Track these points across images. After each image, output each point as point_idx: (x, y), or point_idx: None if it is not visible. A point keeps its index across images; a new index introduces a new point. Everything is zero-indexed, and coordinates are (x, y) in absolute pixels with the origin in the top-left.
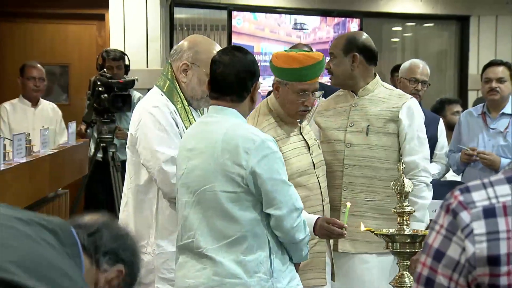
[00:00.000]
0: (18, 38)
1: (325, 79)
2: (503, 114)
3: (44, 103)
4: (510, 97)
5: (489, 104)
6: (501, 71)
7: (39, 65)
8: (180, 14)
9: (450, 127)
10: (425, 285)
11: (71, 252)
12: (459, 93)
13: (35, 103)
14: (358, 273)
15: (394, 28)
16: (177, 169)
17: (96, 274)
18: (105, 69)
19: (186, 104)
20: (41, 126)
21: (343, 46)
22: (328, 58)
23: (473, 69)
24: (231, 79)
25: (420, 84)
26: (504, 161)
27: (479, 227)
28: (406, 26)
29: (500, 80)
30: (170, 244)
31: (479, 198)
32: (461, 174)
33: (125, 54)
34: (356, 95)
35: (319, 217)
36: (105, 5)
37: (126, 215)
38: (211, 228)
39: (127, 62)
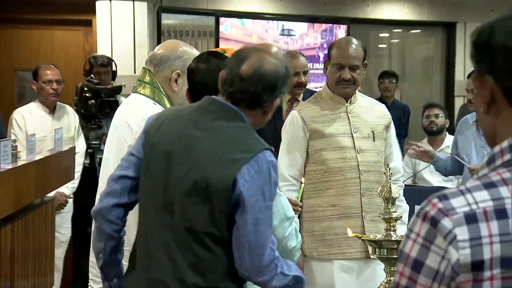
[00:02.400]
0: (3, 43)
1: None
2: None
3: (61, 108)
4: None
5: None
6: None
7: (53, 66)
8: (168, 20)
9: (425, 130)
10: None
11: None
12: (446, 99)
13: (52, 109)
14: (329, 278)
15: (381, 35)
16: None
17: None
18: (92, 75)
19: None
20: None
21: (363, 56)
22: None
23: (460, 75)
24: (211, 86)
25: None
26: (440, 155)
27: (462, 233)
28: (393, 32)
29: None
30: None
31: (459, 204)
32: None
33: (113, 60)
34: (347, 102)
35: None
36: (92, 11)
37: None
38: None
39: (114, 68)
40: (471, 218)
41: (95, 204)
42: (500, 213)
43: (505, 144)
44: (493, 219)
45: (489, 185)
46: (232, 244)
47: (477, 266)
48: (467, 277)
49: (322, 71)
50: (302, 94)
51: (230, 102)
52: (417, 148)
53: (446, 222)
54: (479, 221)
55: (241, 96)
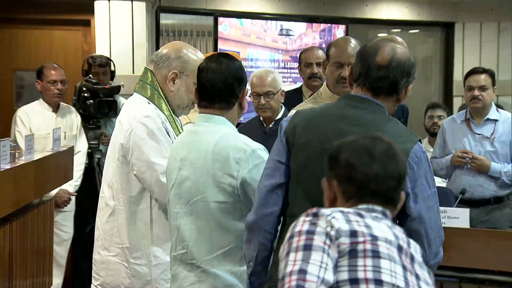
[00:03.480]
0: (2, 43)
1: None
2: (488, 119)
3: (65, 107)
4: (493, 103)
5: (472, 111)
6: (483, 79)
7: (58, 65)
8: (166, 20)
9: (426, 130)
10: (304, 250)
11: None
12: (444, 99)
13: (56, 108)
14: None
15: (379, 34)
16: (167, 179)
17: None
18: (90, 75)
19: (172, 112)
20: (62, 131)
21: None
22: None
23: (458, 75)
24: (219, 86)
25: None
26: (495, 166)
27: (338, 215)
28: (391, 32)
29: (482, 88)
30: (166, 254)
31: (327, 209)
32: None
33: (111, 60)
34: None
35: None
36: (91, 11)
37: (113, 226)
38: (205, 239)
39: (112, 68)
40: (341, 211)
41: (249, 215)
42: (357, 213)
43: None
44: (355, 215)
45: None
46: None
47: (353, 233)
48: (346, 240)
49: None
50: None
51: (371, 93)
52: (469, 160)
53: (325, 210)
54: (346, 213)
55: (382, 84)
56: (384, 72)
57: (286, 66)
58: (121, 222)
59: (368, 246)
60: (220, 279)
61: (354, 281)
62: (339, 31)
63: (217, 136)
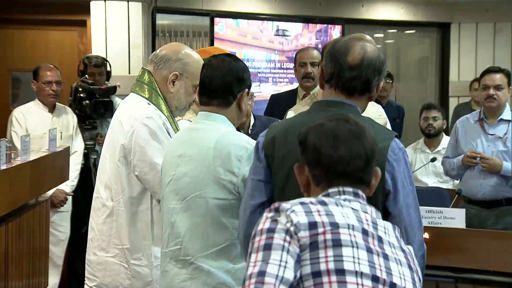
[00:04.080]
0: None
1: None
2: (502, 120)
3: (61, 108)
4: (507, 103)
5: (486, 111)
6: (498, 78)
7: (53, 67)
8: (163, 20)
9: (422, 131)
10: (264, 250)
11: None
12: (440, 100)
13: (52, 108)
14: None
15: (376, 35)
16: (163, 175)
17: None
18: (86, 76)
19: (170, 113)
20: (59, 131)
21: None
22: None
23: (454, 75)
24: (217, 81)
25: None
26: (507, 165)
27: (298, 208)
28: (387, 32)
29: (497, 88)
30: None
31: (290, 201)
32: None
33: (107, 60)
34: None
35: None
36: (87, 11)
37: (112, 227)
38: (200, 236)
39: (108, 69)
40: (302, 203)
41: (238, 233)
42: (322, 202)
43: (319, 196)
44: (318, 204)
45: (314, 199)
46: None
47: (312, 225)
48: (305, 233)
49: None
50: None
51: (345, 94)
52: (479, 159)
53: (285, 205)
54: (308, 203)
55: (355, 83)
56: (357, 72)
57: (282, 66)
58: (120, 223)
59: (328, 236)
60: (213, 276)
61: (316, 274)
62: (335, 31)
63: (219, 133)
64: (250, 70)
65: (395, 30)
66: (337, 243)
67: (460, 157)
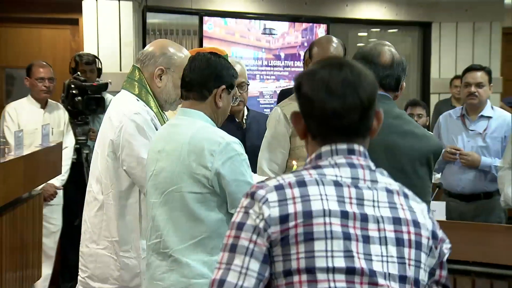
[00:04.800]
0: None
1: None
2: (482, 116)
3: (53, 104)
4: (488, 100)
5: (468, 108)
6: (480, 76)
7: (46, 64)
8: (153, 19)
9: None
10: (229, 251)
11: None
12: (422, 96)
13: (44, 104)
14: None
15: (359, 34)
16: (146, 170)
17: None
18: (79, 73)
19: (160, 108)
20: (50, 127)
21: (343, 54)
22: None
23: (435, 73)
24: (194, 75)
25: None
26: (485, 160)
27: (272, 196)
28: (371, 31)
29: (479, 85)
30: None
31: (271, 182)
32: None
33: (98, 58)
34: None
35: None
36: (79, 10)
37: (102, 220)
38: (177, 229)
39: (99, 66)
40: (279, 187)
41: None
42: (300, 183)
43: (313, 156)
44: (296, 187)
45: (297, 174)
46: None
47: (283, 218)
48: (276, 228)
49: (302, 69)
50: None
51: (382, 90)
52: (458, 155)
53: (261, 192)
54: (285, 188)
55: (389, 80)
56: (389, 70)
57: (269, 64)
58: (110, 216)
59: (300, 230)
60: (191, 268)
61: (287, 272)
62: (321, 30)
63: (194, 129)
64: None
65: (378, 29)
66: (308, 237)
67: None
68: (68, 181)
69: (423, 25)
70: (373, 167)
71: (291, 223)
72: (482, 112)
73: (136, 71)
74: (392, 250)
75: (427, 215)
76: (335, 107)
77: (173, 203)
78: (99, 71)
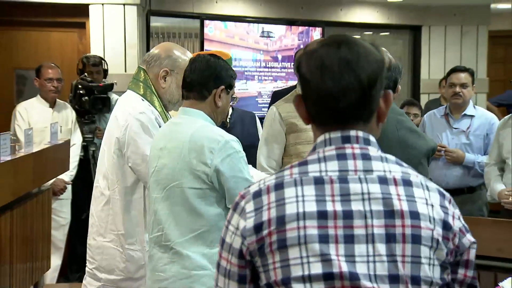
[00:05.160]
0: (4, 44)
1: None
2: (465, 115)
3: (61, 103)
4: (471, 100)
5: (452, 107)
6: (464, 77)
7: (55, 65)
8: (156, 22)
9: None
10: (217, 270)
11: None
12: (412, 96)
13: (52, 103)
14: None
15: (353, 36)
16: (149, 167)
17: None
18: (86, 74)
19: (164, 108)
20: (59, 125)
21: None
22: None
23: (425, 74)
24: (194, 75)
25: None
26: (469, 156)
27: (249, 206)
28: (364, 34)
29: (463, 86)
30: None
31: (253, 187)
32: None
33: (104, 60)
34: None
35: None
36: (86, 14)
37: (109, 214)
38: (178, 222)
39: (105, 67)
40: (257, 194)
41: None
42: (278, 185)
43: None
44: (272, 191)
45: (278, 176)
46: None
47: (258, 227)
48: (252, 238)
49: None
50: None
51: None
52: (443, 152)
53: (242, 202)
54: (262, 194)
55: (389, 82)
56: (388, 73)
57: (267, 65)
58: (116, 210)
59: (274, 238)
60: (191, 260)
61: (268, 285)
62: (316, 33)
63: (194, 127)
64: (237, 69)
65: (370, 32)
66: (282, 244)
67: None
68: (76, 177)
69: (413, 29)
70: (373, 154)
71: (265, 231)
72: (465, 111)
73: (142, 72)
74: (381, 247)
75: (439, 203)
76: (330, 87)
77: (174, 198)
78: (105, 72)
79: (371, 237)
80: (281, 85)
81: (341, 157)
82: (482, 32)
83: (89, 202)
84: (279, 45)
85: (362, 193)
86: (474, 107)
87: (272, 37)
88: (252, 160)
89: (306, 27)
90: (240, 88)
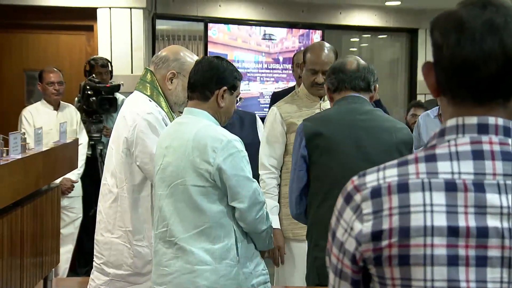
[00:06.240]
0: (14, 47)
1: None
2: None
3: (65, 106)
4: None
5: None
6: None
7: (56, 69)
8: (162, 25)
9: (408, 125)
10: (330, 262)
11: None
12: (409, 97)
13: (56, 106)
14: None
15: (352, 39)
16: (154, 165)
17: None
18: (93, 75)
19: (169, 108)
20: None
21: (334, 60)
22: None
23: (421, 75)
24: (198, 76)
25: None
26: None
27: (367, 206)
28: (362, 37)
29: None
30: None
31: (370, 179)
32: None
33: (110, 61)
34: (321, 100)
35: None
36: (94, 17)
37: (117, 211)
38: (182, 219)
39: (110, 69)
40: (375, 193)
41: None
42: (402, 187)
43: (437, 130)
44: (395, 193)
45: (402, 172)
46: None
47: (376, 235)
48: (368, 246)
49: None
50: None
51: (354, 92)
52: None
53: (357, 197)
54: (382, 195)
55: (358, 81)
56: (357, 74)
57: (269, 67)
58: (124, 208)
59: (394, 251)
60: (195, 255)
61: None
62: (316, 36)
63: (198, 127)
64: (240, 70)
65: (369, 35)
66: (404, 262)
67: (421, 149)
68: (84, 175)
69: (410, 31)
70: None
71: (385, 242)
72: None
73: (149, 73)
74: None
75: None
76: (468, 54)
77: (178, 195)
78: (111, 73)
79: (508, 260)
80: (282, 86)
81: (478, 155)
82: None
83: (96, 199)
84: (280, 47)
85: (501, 206)
86: None
87: (273, 39)
88: (252, 159)
89: (307, 30)
90: (243, 89)
